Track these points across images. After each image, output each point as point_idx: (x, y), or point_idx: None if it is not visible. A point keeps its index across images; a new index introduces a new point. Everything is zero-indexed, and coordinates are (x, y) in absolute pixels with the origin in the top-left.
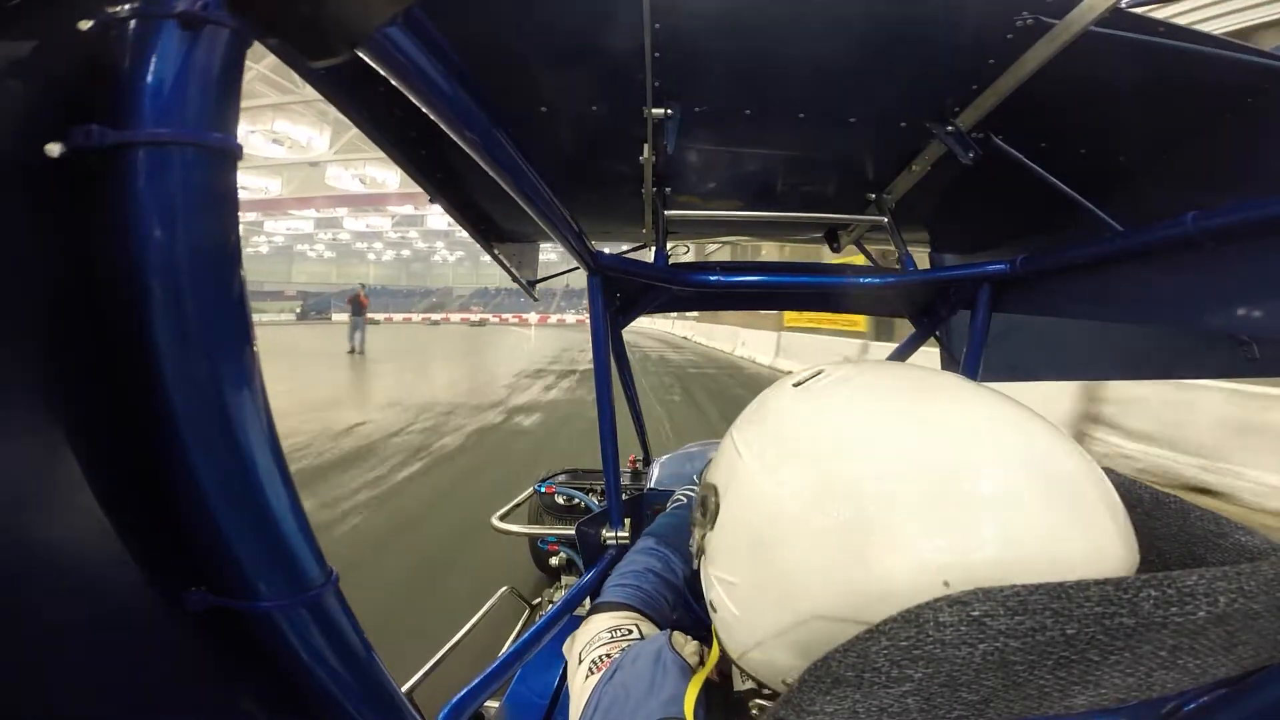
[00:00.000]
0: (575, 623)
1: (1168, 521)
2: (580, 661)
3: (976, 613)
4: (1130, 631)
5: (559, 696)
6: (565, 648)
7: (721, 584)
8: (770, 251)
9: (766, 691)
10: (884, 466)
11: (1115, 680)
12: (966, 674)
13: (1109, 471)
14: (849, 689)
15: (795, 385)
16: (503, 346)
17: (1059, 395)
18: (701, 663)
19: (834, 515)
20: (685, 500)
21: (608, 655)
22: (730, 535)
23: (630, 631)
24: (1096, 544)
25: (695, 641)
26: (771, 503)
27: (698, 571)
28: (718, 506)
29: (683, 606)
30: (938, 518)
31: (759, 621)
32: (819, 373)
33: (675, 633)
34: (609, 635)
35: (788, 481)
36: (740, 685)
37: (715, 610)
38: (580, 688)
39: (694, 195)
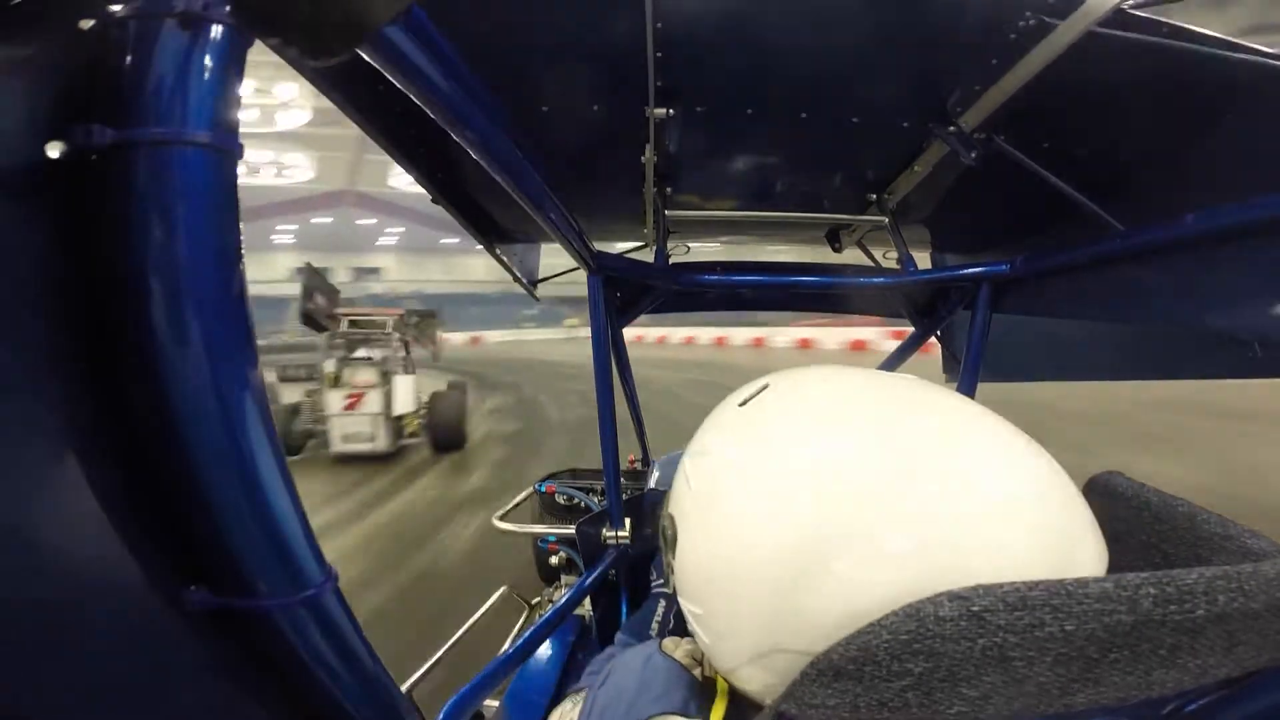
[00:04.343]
0: (575, 622)
1: (1175, 524)
2: None
3: (976, 608)
4: (1129, 629)
5: (559, 696)
6: None
7: (690, 613)
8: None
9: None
10: (823, 494)
11: (1115, 678)
12: (966, 669)
13: (1117, 474)
14: (850, 682)
15: (740, 405)
16: None
17: None
18: (698, 662)
19: (778, 548)
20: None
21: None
22: (688, 566)
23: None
24: (1057, 547)
25: (690, 642)
26: (716, 538)
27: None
28: (675, 536)
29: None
30: (882, 546)
31: (730, 648)
32: (764, 387)
33: (668, 639)
34: (571, 704)
35: (730, 514)
36: None
37: (695, 635)
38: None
39: (695, 195)
